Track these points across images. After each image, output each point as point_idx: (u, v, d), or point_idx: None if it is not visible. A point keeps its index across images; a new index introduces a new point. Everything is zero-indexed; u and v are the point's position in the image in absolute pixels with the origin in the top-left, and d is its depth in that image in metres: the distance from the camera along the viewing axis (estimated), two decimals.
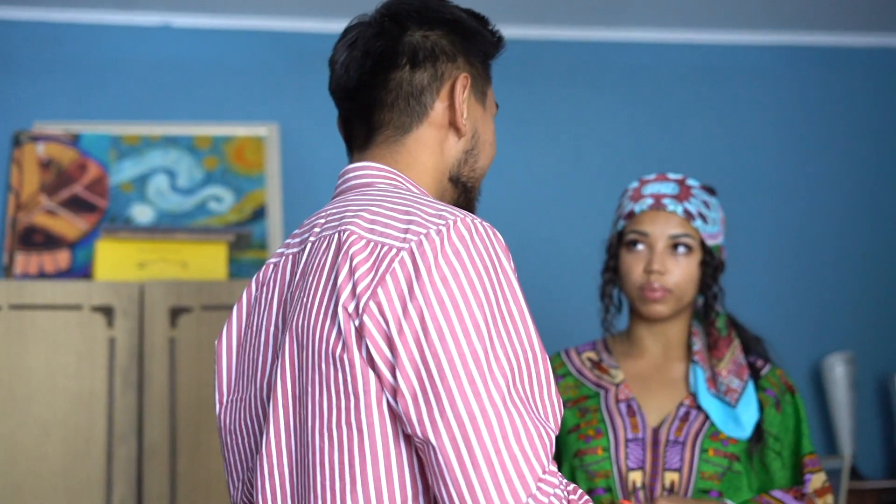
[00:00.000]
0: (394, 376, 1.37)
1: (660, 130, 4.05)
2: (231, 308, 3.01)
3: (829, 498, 2.30)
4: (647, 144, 4.02)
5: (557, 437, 2.34)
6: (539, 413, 1.40)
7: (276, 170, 3.72)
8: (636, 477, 2.25)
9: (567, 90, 4.03)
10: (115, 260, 3.19)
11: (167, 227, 3.46)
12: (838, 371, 3.84)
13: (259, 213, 3.67)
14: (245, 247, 3.48)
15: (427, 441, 1.36)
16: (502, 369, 1.37)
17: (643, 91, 4.07)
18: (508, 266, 1.44)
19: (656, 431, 2.28)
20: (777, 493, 2.27)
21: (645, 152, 4.00)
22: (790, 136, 4.13)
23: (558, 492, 1.37)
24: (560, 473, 1.40)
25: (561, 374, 2.40)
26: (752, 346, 2.41)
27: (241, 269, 3.58)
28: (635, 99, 4.06)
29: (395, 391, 1.38)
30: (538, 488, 1.35)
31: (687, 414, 2.29)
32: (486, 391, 1.36)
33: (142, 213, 3.63)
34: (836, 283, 4.07)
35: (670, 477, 2.24)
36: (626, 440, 2.27)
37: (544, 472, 1.37)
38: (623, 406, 2.31)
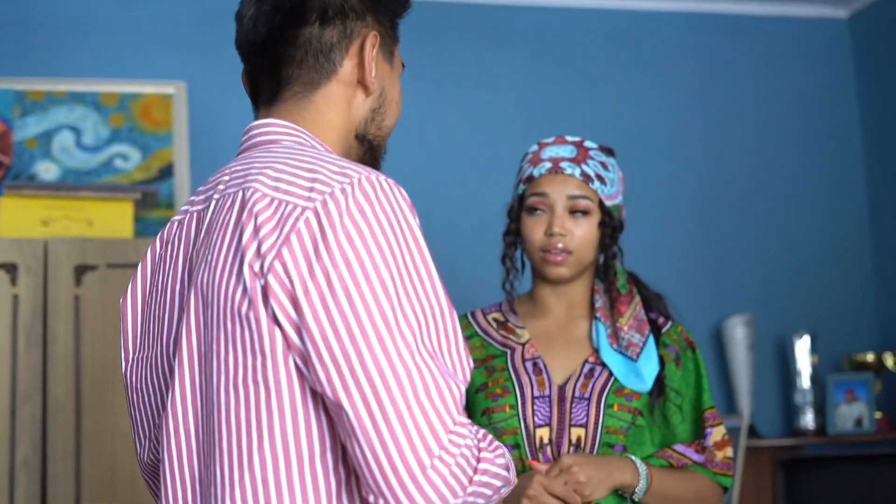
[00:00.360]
0: (300, 337, 1.38)
1: (566, 94, 4.08)
2: (136, 266, 3.00)
3: (729, 450, 2.35)
4: (553, 107, 4.05)
5: (466, 395, 2.37)
6: (447, 367, 1.41)
7: (183, 128, 3.69)
8: (543, 433, 2.28)
9: (475, 53, 4.05)
10: (18, 217, 3.15)
11: (72, 184, 3.42)
12: (738, 332, 3.93)
13: (166, 172, 3.65)
14: (152, 205, 3.45)
15: (338, 402, 1.36)
16: (410, 326, 1.38)
17: (550, 55, 4.10)
18: (414, 222, 1.44)
19: (562, 388, 2.31)
20: (679, 447, 2.32)
21: (551, 115, 4.03)
22: (692, 101, 4.20)
23: (469, 442, 1.39)
24: (470, 423, 1.42)
25: (467, 335, 2.42)
26: (654, 304, 2.45)
27: (147, 227, 3.55)
28: (542, 62, 4.09)
29: (301, 353, 1.38)
30: (449, 441, 1.37)
31: (592, 370, 2.33)
32: (395, 348, 1.36)
33: (46, 171, 3.58)
34: (736, 247, 4.15)
35: (576, 432, 2.27)
36: (533, 397, 2.30)
37: (455, 425, 1.38)
38: (529, 364, 2.34)
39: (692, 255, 4.08)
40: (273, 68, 1.60)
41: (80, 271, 3.01)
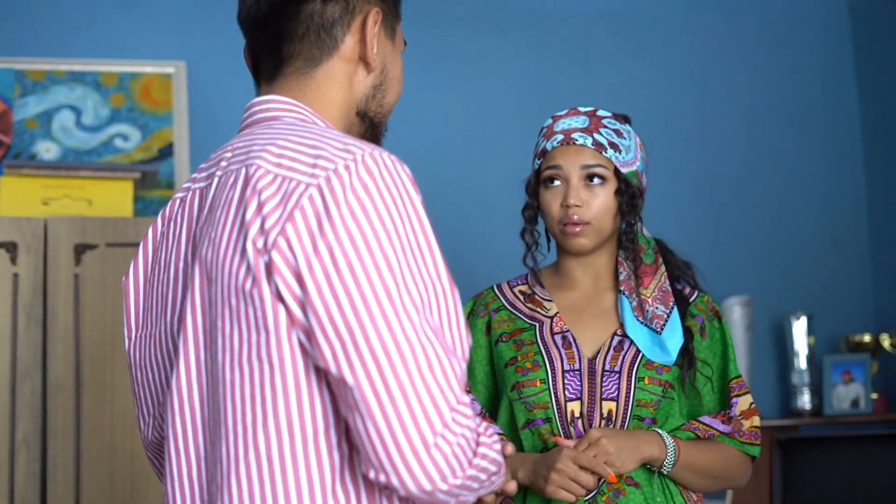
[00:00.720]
0: (304, 313, 1.38)
1: (564, 74, 4.09)
2: (137, 245, 3.01)
3: (756, 419, 2.35)
4: (552, 87, 4.06)
5: (497, 368, 2.39)
6: (449, 345, 1.42)
7: (183, 108, 3.69)
8: (574, 407, 2.28)
9: (473, 33, 4.05)
10: (18, 196, 3.16)
11: (72, 163, 3.43)
12: (736, 313, 3.94)
13: (166, 152, 3.65)
14: (152, 185, 3.46)
15: (342, 378, 1.37)
16: (413, 302, 1.38)
17: (549, 35, 4.10)
18: (417, 198, 1.45)
19: (592, 362, 2.30)
20: (705, 419, 2.32)
21: (550, 95, 4.03)
22: (690, 82, 4.20)
23: (471, 423, 1.40)
24: (474, 400, 1.43)
25: (495, 308, 2.42)
26: (682, 272, 2.44)
27: (147, 207, 3.56)
28: (541, 42, 4.10)
29: (305, 329, 1.39)
30: (452, 419, 1.38)
31: (621, 343, 2.32)
32: (399, 324, 1.37)
33: (46, 150, 3.59)
34: (733, 228, 4.16)
35: (608, 406, 2.27)
36: (564, 371, 2.29)
37: (458, 403, 1.39)
38: (559, 338, 2.33)
39: (690, 236, 4.06)
40: (274, 44, 1.61)
41: (80, 250, 3.02)
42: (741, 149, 4.21)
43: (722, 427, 2.32)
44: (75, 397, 2.96)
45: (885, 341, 3.95)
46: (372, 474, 1.39)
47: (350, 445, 1.43)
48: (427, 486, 1.37)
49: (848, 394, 3.95)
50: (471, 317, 2.45)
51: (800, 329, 4.01)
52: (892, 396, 4.02)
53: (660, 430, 2.26)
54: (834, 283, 4.20)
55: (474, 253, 3.87)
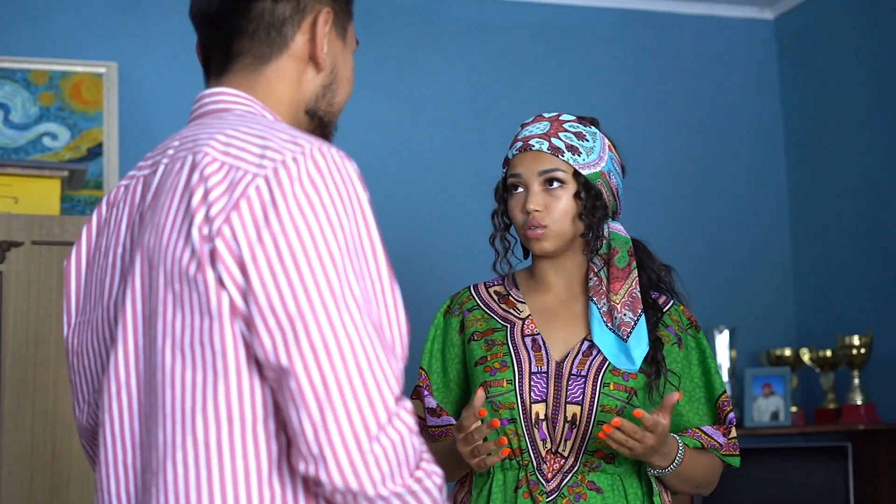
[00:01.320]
0: (245, 302, 1.38)
1: (496, 85, 4.12)
2: (64, 244, 3.00)
3: (734, 431, 2.39)
4: (484, 97, 4.09)
5: (467, 367, 2.41)
6: (389, 343, 1.42)
7: (113, 108, 3.68)
8: (539, 409, 2.29)
9: (406, 40, 4.07)
10: None
11: None
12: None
13: (95, 151, 3.63)
14: (80, 184, 3.44)
15: (280, 367, 1.37)
16: (355, 298, 1.38)
17: (482, 45, 4.14)
18: (363, 195, 1.45)
19: (560, 365, 2.32)
20: (709, 430, 2.34)
21: (482, 104, 4.07)
22: (620, 96, 4.25)
23: (413, 432, 1.40)
24: (413, 414, 1.42)
25: (469, 308, 2.44)
26: (659, 277, 2.46)
27: (75, 206, 3.54)
28: (474, 52, 4.13)
29: (245, 318, 1.38)
30: (390, 420, 1.38)
31: (590, 348, 2.34)
32: (340, 318, 1.37)
33: None
34: (659, 242, 4.05)
35: (572, 409, 2.28)
36: (531, 373, 2.31)
37: (397, 404, 1.39)
38: (529, 340, 2.35)
39: None
40: (225, 40, 1.61)
41: (5, 248, 2.99)
42: (666, 162, 4.27)
43: (722, 440, 2.35)
44: None
45: (805, 356, 4.02)
46: (302, 466, 1.38)
47: (288, 437, 1.42)
48: (354, 485, 1.36)
49: (768, 406, 4.01)
50: (447, 315, 2.47)
51: (722, 342, 4.07)
52: (810, 410, 4.10)
53: (677, 437, 2.28)
54: (756, 297, 4.26)
55: (404, 256, 3.88)
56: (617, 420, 2.16)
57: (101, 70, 3.71)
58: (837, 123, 4.16)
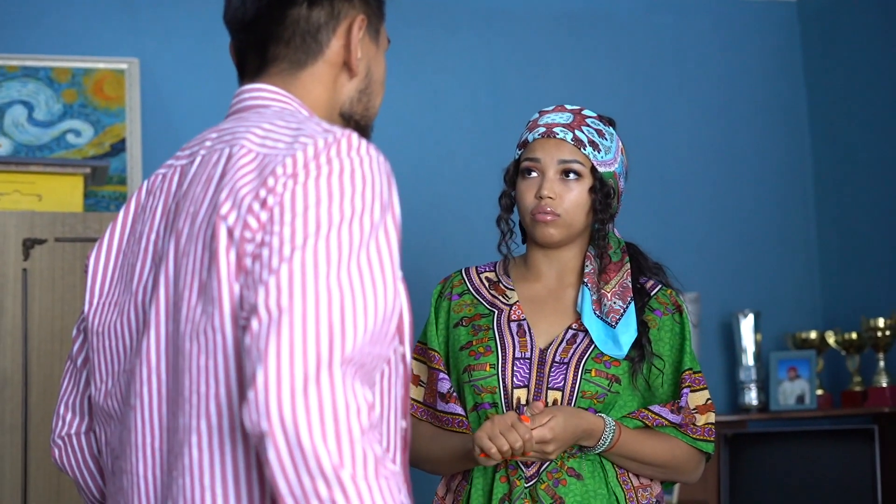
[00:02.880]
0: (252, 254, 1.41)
1: (518, 72, 4.12)
2: (87, 240, 3.03)
3: (711, 416, 2.37)
4: (504, 86, 4.09)
5: (451, 351, 2.42)
6: (358, 307, 1.39)
7: (135, 104, 3.71)
8: (521, 394, 2.31)
9: (427, 30, 4.08)
10: None
11: (22, 158, 3.44)
12: (687, 308, 3.97)
13: (118, 147, 3.67)
14: (102, 180, 3.48)
15: (250, 305, 1.38)
16: (328, 258, 1.38)
17: (502, 34, 4.14)
18: (387, 190, 1.47)
19: (543, 352, 2.34)
20: (654, 408, 2.34)
21: (503, 94, 4.07)
22: (642, 81, 4.24)
23: (365, 404, 1.35)
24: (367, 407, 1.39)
25: (459, 293, 2.46)
26: (652, 274, 2.48)
27: (98, 202, 3.57)
28: (494, 42, 4.13)
29: (245, 270, 1.41)
30: (333, 372, 1.34)
31: (574, 337, 2.36)
32: (315, 274, 1.37)
33: None
34: (683, 226, 4.21)
35: (553, 395, 2.30)
36: (514, 358, 2.33)
37: (345, 364, 1.35)
38: (514, 326, 2.37)
39: (639, 234, 4.08)
40: (260, 46, 1.64)
41: (29, 245, 3.03)
42: (691, 147, 4.26)
43: (671, 416, 2.33)
44: (23, 391, 2.98)
45: (831, 338, 4.01)
46: (247, 420, 1.35)
47: None
48: (264, 426, 1.32)
49: (794, 390, 4.00)
50: (440, 299, 2.49)
51: (747, 326, 4.06)
52: (836, 393, 4.08)
53: (605, 416, 2.28)
54: (781, 280, 4.25)
55: (427, 246, 3.90)
56: (525, 416, 2.18)
57: (123, 66, 3.74)
58: (862, 105, 4.14)
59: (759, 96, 4.34)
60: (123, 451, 1.58)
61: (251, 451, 1.44)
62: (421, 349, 2.46)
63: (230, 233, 1.43)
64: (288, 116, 1.55)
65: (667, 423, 2.33)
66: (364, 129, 1.70)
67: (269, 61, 1.64)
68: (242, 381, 1.43)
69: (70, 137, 3.66)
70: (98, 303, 1.67)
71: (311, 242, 1.38)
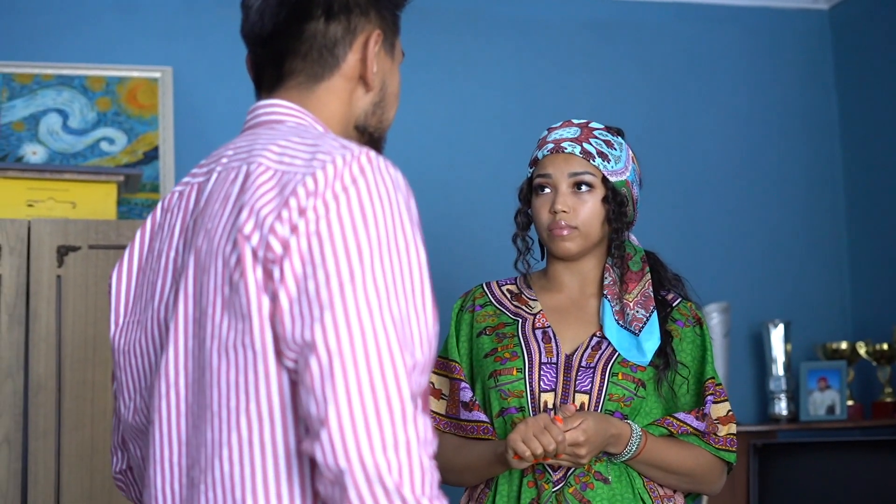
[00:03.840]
0: (282, 280, 1.42)
1: (547, 81, 4.13)
2: (120, 247, 3.06)
3: (733, 427, 2.39)
4: (535, 93, 4.10)
5: (475, 360, 2.45)
6: (406, 341, 1.42)
7: (169, 112, 3.74)
8: (548, 398, 2.33)
9: (457, 40, 4.09)
10: (3, 198, 3.20)
11: (57, 165, 3.47)
12: (714, 320, 3.97)
13: (151, 155, 3.70)
14: (136, 188, 3.51)
15: (304, 342, 1.40)
16: (377, 291, 1.40)
17: (533, 43, 4.15)
18: (405, 203, 1.48)
19: (569, 357, 2.36)
20: (679, 415, 2.36)
21: (533, 101, 4.08)
22: (672, 90, 4.24)
23: (421, 433, 1.39)
24: (427, 427, 1.41)
25: (481, 304, 2.49)
26: (672, 285, 2.49)
27: (131, 210, 3.60)
28: (524, 49, 4.14)
29: (278, 304, 1.42)
30: (396, 414, 1.37)
31: (599, 343, 2.38)
32: (356, 307, 1.39)
33: (33, 153, 3.63)
34: (713, 235, 4.20)
35: (580, 398, 2.32)
36: (541, 363, 2.35)
37: (410, 402, 1.39)
38: (539, 333, 2.40)
39: (670, 243, 4.11)
40: (277, 60, 1.65)
41: (63, 252, 3.06)
42: (721, 156, 4.25)
43: (695, 423, 2.36)
44: (56, 397, 3.00)
45: (862, 349, 3.99)
46: (305, 444, 1.40)
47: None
48: (343, 464, 1.36)
49: (824, 400, 3.99)
50: (461, 312, 2.51)
51: (777, 336, 4.05)
52: (867, 404, 4.07)
53: (631, 423, 2.30)
54: (812, 290, 4.24)
55: (459, 255, 3.91)
56: (559, 417, 2.21)
57: (157, 75, 3.77)
58: (893, 114, 4.12)
59: (790, 105, 4.33)
60: (146, 465, 1.60)
61: (282, 464, 1.45)
62: (442, 363, 2.48)
63: (255, 253, 1.45)
64: (303, 132, 1.56)
65: (691, 430, 2.35)
66: (377, 141, 1.71)
67: (286, 75, 1.65)
68: (283, 400, 1.45)
69: (104, 145, 3.69)
70: (123, 322, 1.69)
71: (359, 275, 1.40)
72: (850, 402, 4.00)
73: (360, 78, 1.66)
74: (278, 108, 1.63)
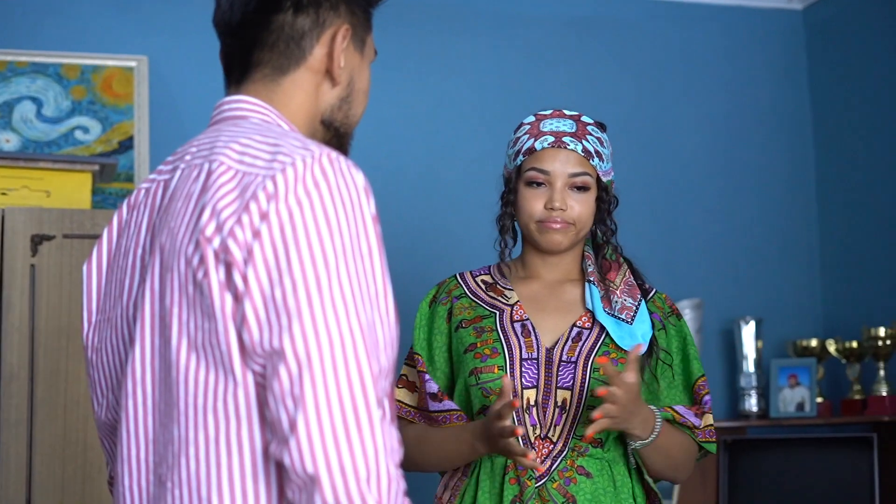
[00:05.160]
0: (246, 287, 1.42)
1: (526, 77, 4.14)
2: (95, 237, 3.05)
3: (711, 418, 2.42)
4: (513, 90, 4.11)
5: (456, 354, 2.44)
6: (372, 345, 1.44)
7: (144, 102, 3.72)
8: (530, 395, 2.32)
9: (436, 35, 4.09)
10: None
11: (31, 154, 3.45)
12: (686, 316, 3.99)
13: (126, 145, 3.68)
14: (110, 178, 3.49)
15: (272, 350, 1.40)
16: (343, 296, 1.41)
17: (512, 38, 4.16)
18: (367, 203, 1.48)
19: (550, 351, 2.35)
20: (681, 409, 2.38)
21: (511, 98, 4.08)
22: (648, 87, 4.26)
23: (388, 442, 1.41)
24: (393, 434, 1.43)
25: (456, 296, 2.47)
26: (643, 280, 2.51)
27: (106, 199, 3.59)
28: (503, 46, 4.15)
29: (242, 310, 1.43)
30: (363, 421, 1.39)
31: (580, 334, 2.37)
32: (323, 314, 1.40)
33: (7, 141, 3.61)
34: (686, 232, 4.22)
35: (562, 395, 2.32)
36: (522, 359, 2.34)
37: (377, 407, 1.41)
38: (518, 326, 2.38)
39: (643, 239, 4.13)
40: (245, 50, 1.65)
41: (37, 241, 3.05)
42: (695, 153, 4.27)
43: (695, 420, 2.38)
44: (29, 386, 2.99)
45: (832, 346, 4.02)
46: (273, 447, 1.41)
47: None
48: (310, 469, 1.37)
49: (794, 397, 4.02)
50: (433, 304, 2.49)
51: (748, 333, 4.08)
52: (836, 401, 4.10)
53: (654, 408, 2.31)
54: (783, 288, 4.27)
55: (435, 247, 3.92)
56: (603, 389, 2.19)
57: (132, 64, 3.76)
58: (866, 114, 4.15)
59: (764, 104, 4.35)
60: (114, 462, 1.61)
61: (247, 462, 1.45)
62: (410, 355, 2.48)
63: (216, 255, 1.45)
64: (265, 131, 1.56)
65: (691, 424, 2.38)
66: (343, 137, 1.71)
67: (253, 66, 1.65)
68: (248, 398, 1.45)
69: (78, 134, 3.67)
70: (95, 320, 1.69)
71: (325, 282, 1.41)
72: (819, 399, 4.03)
73: (327, 72, 1.66)
74: (243, 103, 1.63)
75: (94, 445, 2.99)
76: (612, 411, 2.20)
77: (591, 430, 2.20)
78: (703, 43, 4.34)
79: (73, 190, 3.23)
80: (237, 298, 1.43)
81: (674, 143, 4.26)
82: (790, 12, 4.41)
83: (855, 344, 3.95)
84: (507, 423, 2.16)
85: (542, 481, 2.29)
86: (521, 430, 2.15)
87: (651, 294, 2.47)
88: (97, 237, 3.04)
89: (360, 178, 1.49)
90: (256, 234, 1.43)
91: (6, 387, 2.98)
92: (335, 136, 1.69)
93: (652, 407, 2.31)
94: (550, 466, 2.29)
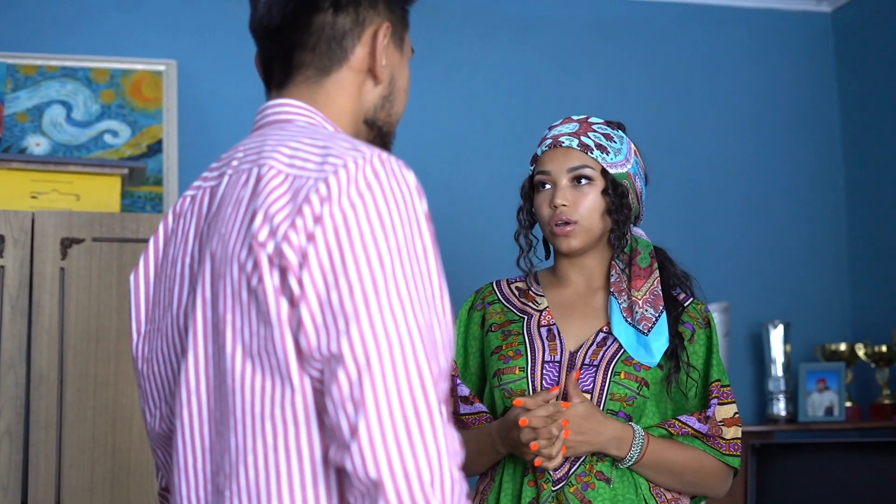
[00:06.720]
0: (302, 291, 1.41)
1: (551, 79, 4.14)
2: (124, 240, 3.07)
3: (739, 430, 2.39)
4: (538, 91, 4.11)
5: (483, 357, 2.47)
6: (431, 347, 1.43)
7: (173, 106, 3.74)
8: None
9: (462, 37, 4.10)
10: (7, 189, 3.20)
11: (61, 158, 3.47)
12: (714, 320, 3.97)
13: (155, 148, 3.70)
14: (140, 181, 3.51)
15: (331, 355, 1.39)
16: (400, 299, 1.41)
17: (536, 41, 4.15)
18: (419, 205, 1.48)
19: (573, 355, 2.36)
20: (682, 417, 2.36)
21: (537, 101, 4.08)
22: (675, 90, 4.25)
23: (449, 445, 1.40)
24: (454, 437, 1.42)
25: (489, 302, 2.50)
26: (680, 282, 2.49)
27: (135, 203, 3.60)
28: (528, 48, 4.15)
29: (298, 315, 1.42)
30: (424, 423, 1.38)
31: (604, 340, 2.38)
32: (381, 317, 1.39)
33: (37, 145, 3.63)
34: (714, 236, 4.21)
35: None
36: (544, 362, 2.35)
37: (439, 404, 1.41)
38: (544, 330, 2.40)
39: (671, 242, 4.06)
40: (286, 53, 1.64)
41: (67, 244, 3.06)
42: (723, 157, 4.26)
43: (697, 425, 2.35)
44: (58, 389, 3.01)
45: (860, 351, 4.00)
46: (332, 452, 1.41)
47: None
48: (373, 474, 1.37)
49: (822, 402, 4.00)
50: (471, 311, 2.53)
51: (777, 337, 4.06)
52: (865, 405, 4.08)
53: (635, 426, 2.30)
54: (812, 292, 4.25)
55: (463, 253, 3.92)
56: (518, 399, 2.23)
57: (161, 68, 3.78)
58: (895, 117, 4.13)
59: (792, 106, 4.34)
60: (170, 473, 1.60)
61: (307, 469, 1.44)
62: None
63: (270, 260, 1.44)
64: (313, 133, 1.55)
65: (692, 431, 2.35)
66: (386, 136, 1.71)
67: (295, 69, 1.64)
68: (307, 404, 1.44)
69: (107, 138, 3.69)
70: (145, 331, 1.68)
71: (382, 284, 1.40)
72: (848, 404, 4.01)
73: (369, 71, 1.65)
74: (288, 107, 1.63)
75: (122, 448, 3.01)
76: (548, 434, 2.21)
77: (555, 452, 2.22)
78: (731, 46, 4.32)
79: (103, 193, 3.25)
80: (293, 303, 1.42)
81: (702, 146, 4.24)
82: (819, 15, 4.39)
83: (884, 348, 3.93)
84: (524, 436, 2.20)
85: (560, 485, 2.28)
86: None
87: (688, 303, 2.46)
88: (126, 240, 3.07)
89: (411, 177, 1.48)
90: (311, 237, 1.42)
91: (35, 389, 2.99)
92: (378, 135, 1.69)
93: (633, 425, 2.30)
94: (568, 470, 2.29)
